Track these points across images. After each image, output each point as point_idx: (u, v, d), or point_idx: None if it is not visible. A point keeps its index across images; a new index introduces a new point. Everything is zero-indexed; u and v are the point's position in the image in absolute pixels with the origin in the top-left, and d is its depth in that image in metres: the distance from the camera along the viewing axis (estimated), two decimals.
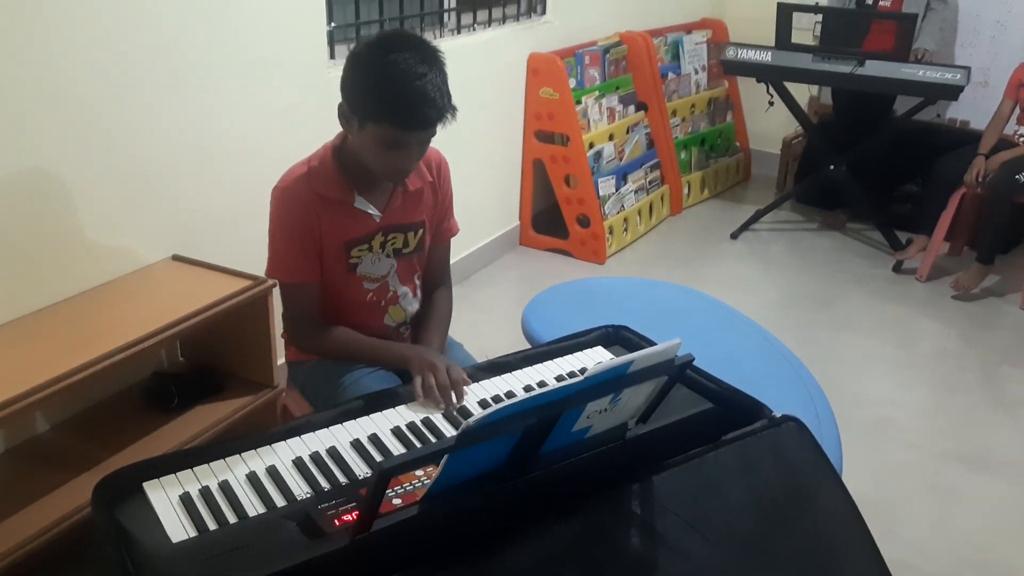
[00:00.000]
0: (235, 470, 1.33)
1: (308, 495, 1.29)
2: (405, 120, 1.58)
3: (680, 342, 1.27)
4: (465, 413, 1.56)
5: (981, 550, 2.35)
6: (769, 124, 5.13)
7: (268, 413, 2.28)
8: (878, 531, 1.45)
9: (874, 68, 3.96)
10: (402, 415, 1.54)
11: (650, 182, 4.52)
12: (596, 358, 1.76)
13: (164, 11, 2.19)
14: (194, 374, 2.33)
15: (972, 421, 2.97)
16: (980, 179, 3.83)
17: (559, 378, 1.67)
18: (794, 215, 4.85)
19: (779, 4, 4.11)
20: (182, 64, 2.27)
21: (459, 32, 3.57)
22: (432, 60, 1.61)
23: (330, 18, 2.78)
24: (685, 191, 4.80)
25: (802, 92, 4.80)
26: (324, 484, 1.32)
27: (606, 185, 4.12)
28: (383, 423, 1.50)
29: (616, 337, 1.83)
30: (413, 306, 1.93)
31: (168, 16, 2.20)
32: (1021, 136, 3.97)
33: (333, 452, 1.40)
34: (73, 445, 2.08)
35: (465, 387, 1.61)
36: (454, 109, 1.65)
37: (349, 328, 1.83)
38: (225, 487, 1.29)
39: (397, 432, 1.48)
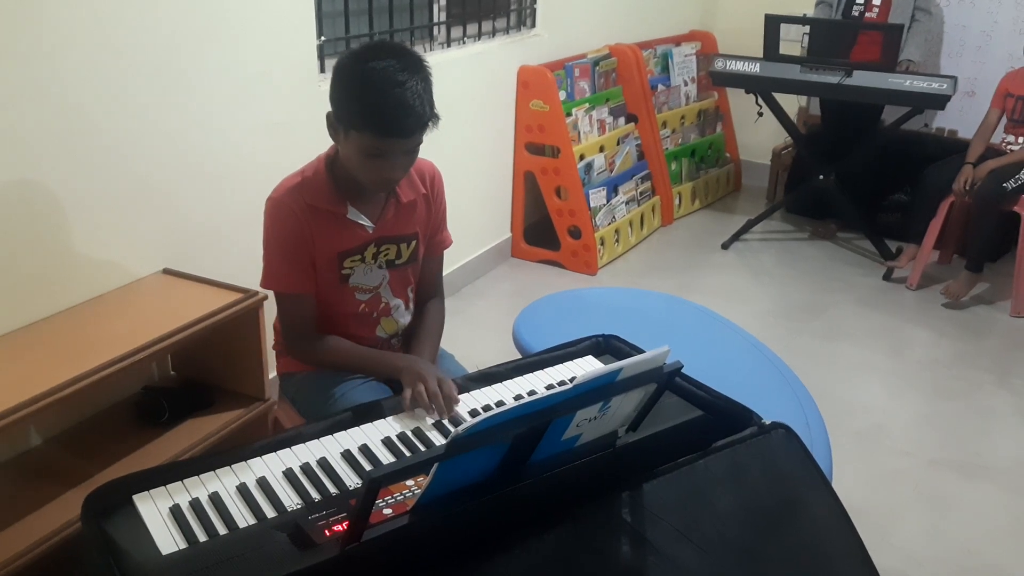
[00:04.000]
0: (225, 482, 1.33)
1: (298, 506, 1.29)
2: (385, 128, 1.58)
3: (668, 349, 1.27)
4: (455, 422, 1.56)
5: (973, 557, 2.35)
6: (758, 135, 5.16)
7: (259, 426, 2.28)
8: (869, 539, 1.45)
9: (862, 78, 3.99)
10: (393, 426, 1.54)
11: (641, 193, 4.54)
12: (586, 367, 1.76)
13: (155, 24, 2.19)
14: (185, 388, 2.33)
15: (963, 428, 2.97)
16: (968, 187, 3.85)
17: (549, 387, 1.67)
18: (784, 225, 4.87)
19: (767, 16, 4.14)
20: (173, 77, 2.27)
21: (449, 45, 3.59)
22: (413, 68, 1.60)
23: (320, 32, 2.79)
24: (676, 202, 4.83)
25: (791, 103, 4.83)
26: (314, 495, 1.32)
27: (597, 196, 4.13)
28: (374, 434, 1.50)
29: (606, 346, 1.83)
30: (405, 318, 1.93)
31: (159, 29, 2.21)
32: (1008, 144, 4.00)
33: (324, 463, 1.40)
34: (64, 459, 2.07)
35: (455, 402, 1.61)
36: (436, 117, 1.65)
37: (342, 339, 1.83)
38: (215, 499, 1.29)
39: (388, 443, 1.48)
